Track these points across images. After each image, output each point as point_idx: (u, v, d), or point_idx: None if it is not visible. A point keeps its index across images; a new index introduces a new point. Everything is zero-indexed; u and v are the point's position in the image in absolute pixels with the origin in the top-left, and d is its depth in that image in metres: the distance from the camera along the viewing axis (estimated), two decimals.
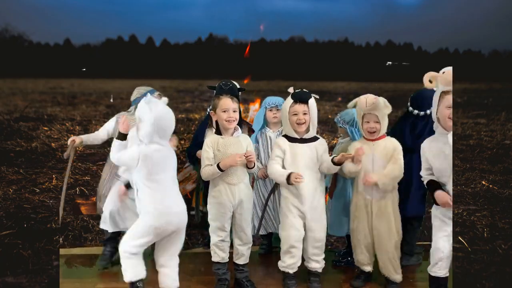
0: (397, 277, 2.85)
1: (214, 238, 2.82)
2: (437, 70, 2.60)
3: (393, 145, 2.83)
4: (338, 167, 2.77)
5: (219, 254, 2.83)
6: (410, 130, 3.11)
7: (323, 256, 2.92)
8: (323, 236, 2.89)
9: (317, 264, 2.90)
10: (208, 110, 3.39)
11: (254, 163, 2.76)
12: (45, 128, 9.20)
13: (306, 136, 2.82)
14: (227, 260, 2.87)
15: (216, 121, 2.79)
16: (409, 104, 3.17)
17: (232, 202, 2.75)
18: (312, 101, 2.79)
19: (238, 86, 3.30)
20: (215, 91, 3.26)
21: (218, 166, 2.66)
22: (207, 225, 3.51)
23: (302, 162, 2.79)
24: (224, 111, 2.71)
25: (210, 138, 2.79)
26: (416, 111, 3.11)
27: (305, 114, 2.77)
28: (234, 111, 2.73)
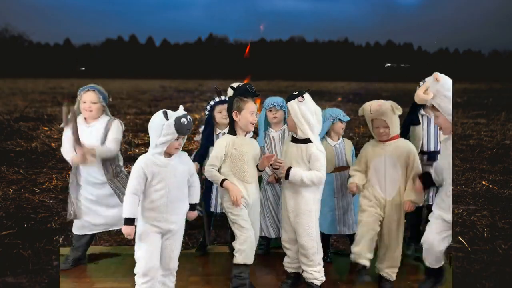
0: (394, 275, 2.89)
1: (238, 234, 2.71)
2: (437, 70, 2.60)
3: (406, 148, 2.84)
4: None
5: (243, 254, 2.68)
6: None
7: (315, 268, 2.75)
8: (308, 243, 2.72)
9: (307, 274, 2.77)
10: (206, 112, 3.38)
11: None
12: (45, 128, 9.20)
13: (298, 136, 2.77)
14: (252, 262, 2.74)
15: (233, 121, 2.79)
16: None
17: (247, 200, 2.74)
18: (290, 104, 2.73)
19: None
20: (235, 92, 3.24)
21: (222, 182, 2.68)
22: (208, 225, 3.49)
23: (287, 161, 2.78)
24: (251, 114, 2.76)
25: (226, 138, 2.79)
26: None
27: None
28: (256, 115, 2.81)
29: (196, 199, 2.65)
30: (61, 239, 3.66)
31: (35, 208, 4.37)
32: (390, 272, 2.88)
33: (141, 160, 2.43)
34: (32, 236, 3.64)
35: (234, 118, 2.78)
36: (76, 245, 3.20)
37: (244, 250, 2.68)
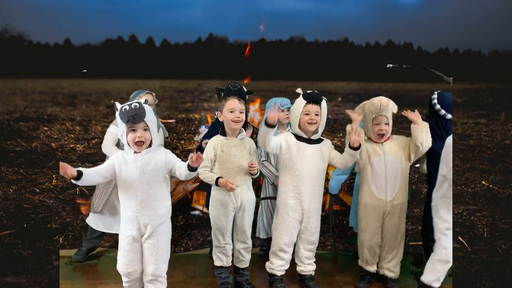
0: (396, 274, 2.90)
1: (216, 242, 2.81)
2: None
3: (402, 141, 2.88)
4: (358, 151, 2.71)
5: (221, 259, 2.82)
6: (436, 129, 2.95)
7: (314, 259, 2.95)
8: (316, 239, 2.91)
9: (310, 266, 2.92)
10: (216, 115, 3.37)
11: (258, 170, 2.78)
12: (45, 128, 9.19)
13: (313, 137, 2.84)
14: (230, 264, 2.86)
15: (222, 122, 2.79)
16: (437, 103, 2.94)
17: (234, 204, 2.74)
18: (324, 103, 2.82)
19: (245, 90, 3.31)
20: (222, 93, 3.26)
21: (216, 180, 2.67)
22: (207, 226, 3.48)
23: (307, 163, 2.79)
24: (231, 111, 2.71)
25: (215, 139, 2.79)
26: (444, 112, 2.92)
27: (317, 115, 2.78)
28: (240, 112, 2.73)
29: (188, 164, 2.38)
30: (61, 239, 3.66)
31: (35, 208, 4.37)
32: (392, 267, 2.89)
33: (116, 153, 2.47)
34: (32, 236, 3.64)
35: (219, 118, 2.80)
36: (89, 236, 3.33)
37: (218, 255, 2.83)
